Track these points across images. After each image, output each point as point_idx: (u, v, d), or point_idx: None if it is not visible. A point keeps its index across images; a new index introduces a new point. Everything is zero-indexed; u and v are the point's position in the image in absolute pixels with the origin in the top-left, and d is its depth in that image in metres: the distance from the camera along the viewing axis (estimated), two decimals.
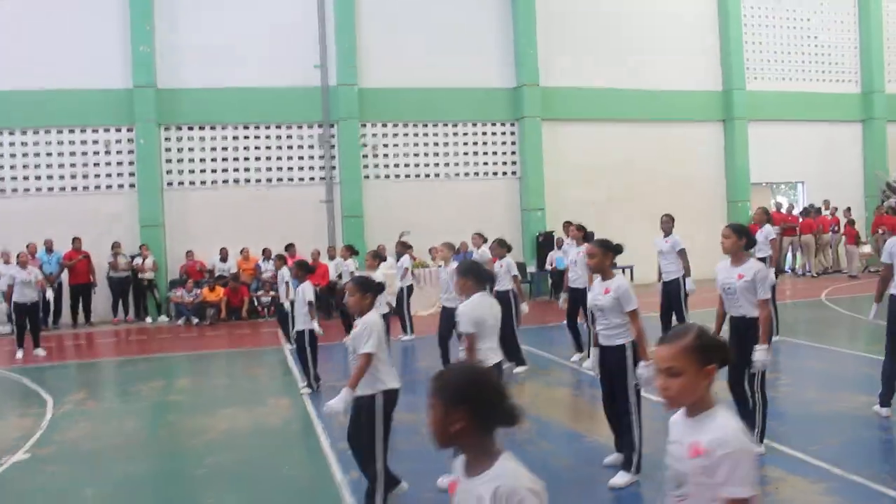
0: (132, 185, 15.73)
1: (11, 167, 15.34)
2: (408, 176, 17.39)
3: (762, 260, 10.28)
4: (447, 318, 8.77)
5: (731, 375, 5.51)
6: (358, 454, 4.72)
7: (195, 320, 14.84)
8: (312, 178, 16.82)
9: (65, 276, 14.86)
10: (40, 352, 11.75)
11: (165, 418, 7.58)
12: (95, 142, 15.66)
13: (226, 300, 15.15)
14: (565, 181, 18.01)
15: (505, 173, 18.04)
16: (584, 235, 9.51)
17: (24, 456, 6.39)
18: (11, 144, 15.36)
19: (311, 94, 16.59)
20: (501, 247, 9.30)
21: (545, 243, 17.40)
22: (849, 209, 18.99)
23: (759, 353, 5.21)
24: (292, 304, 11.56)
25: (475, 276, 5.12)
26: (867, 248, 17.21)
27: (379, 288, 5.01)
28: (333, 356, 9.87)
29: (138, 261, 15.28)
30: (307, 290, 8.54)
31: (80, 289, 14.92)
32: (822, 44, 20.10)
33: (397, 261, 16.27)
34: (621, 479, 5.10)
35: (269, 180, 16.55)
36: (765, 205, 19.70)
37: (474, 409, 2.01)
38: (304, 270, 8.93)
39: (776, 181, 20.55)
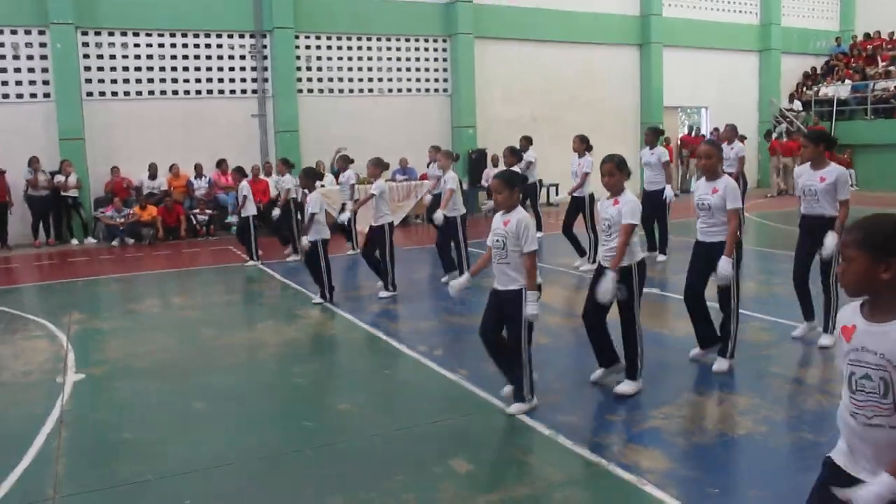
0: (47, 95, 14.27)
1: None
2: (342, 91, 16.92)
3: (729, 174, 11.15)
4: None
5: (798, 269, 6.07)
6: (490, 346, 4.82)
7: (130, 241, 13.95)
8: (244, 91, 15.97)
9: None
10: None
11: (202, 334, 7.24)
12: (1, 44, 13.99)
13: (160, 219, 14.33)
14: (492, 100, 18.23)
15: (437, 90, 17.95)
16: (587, 147, 9.87)
17: (79, 376, 5.98)
18: None
19: (243, 1, 15.60)
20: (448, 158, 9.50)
21: (479, 160, 17.66)
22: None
23: (830, 239, 5.68)
24: (252, 218, 11.25)
25: (623, 169, 5.08)
26: None
27: (525, 180, 5.09)
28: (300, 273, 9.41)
29: (60, 178, 14.04)
30: (316, 201, 8.31)
31: None
32: None
33: (337, 178, 16.05)
34: (720, 365, 5.53)
35: (199, 92, 15.55)
36: (674, 127, 20.95)
37: None
38: (313, 178, 8.65)
39: (684, 105, 21.74)
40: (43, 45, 14.17)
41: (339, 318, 7.68)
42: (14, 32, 14.04)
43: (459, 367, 5.76)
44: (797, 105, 21.48)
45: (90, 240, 14.39)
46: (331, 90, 16.78)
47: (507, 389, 4.84)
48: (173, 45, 15.23)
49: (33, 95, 14.23)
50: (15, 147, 13.78)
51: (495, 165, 17.61)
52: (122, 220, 14.05)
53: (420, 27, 17.43)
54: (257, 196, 13.61)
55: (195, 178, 15.35)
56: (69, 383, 5.79)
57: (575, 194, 9.89)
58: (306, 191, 9.08)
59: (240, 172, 11.74)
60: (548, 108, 18.69)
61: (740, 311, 5.58)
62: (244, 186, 11.27)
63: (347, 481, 3.95)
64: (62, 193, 14.06)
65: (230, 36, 15.74)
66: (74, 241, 14.27)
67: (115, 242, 13.92)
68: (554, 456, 4.22)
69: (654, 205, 10.14)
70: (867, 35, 22.74)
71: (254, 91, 16.02)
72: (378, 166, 8.98)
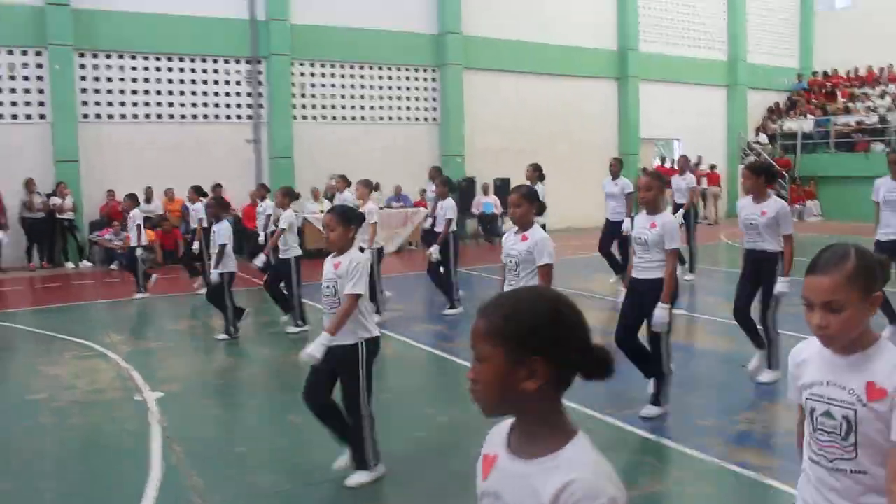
0: (42, 116, 14.13)
1: None
2: (335, 118, 17.15)
3: (680, 206, 11.16)
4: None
5: (740, 302, 5.83)
6: (318, 409, 4.21)
7: None
8: (240, 117, 16.07)
9: None
10: None
11: (257, 353, 7.35)
12: None
13: (159, 243, 14.25)
14: (478, 130, 18.67)
15: (427, 119, 18.33)
16: (539, 175, 9.74)
17: (158, 394, 6.02)
18: None
19: (240, 27, 15.76)
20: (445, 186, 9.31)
21: (468, 188, 18.05)
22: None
23: (781, 285, 5.52)
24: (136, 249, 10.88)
25: (533, 200, 4.72)
26: None
27: (361, 219, 4.50)
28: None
29: (56, 200, 13.87)
30: (226, 232, 7.89)
31: None
32: (698, 13, 22.25)
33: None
34: (649, 411, 5.12)
35: (195, 116, 15.59)
36: (649, 159, 21.74)
37: (556, 355, 1.36)
38: (221, 208, 8.23)
39: (658, 137, 22.60)
40: (39, 65, 14.05)
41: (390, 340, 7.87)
42: (10, 53, 13.89)
43: None
44: (763, 138, 22.56)
45: (85, 263, 14.20)
46: (324, 117, 16.99)
47: (342, 460, 4.29)
48: (170, 70, 15.27)
49: (28, 116, 14.06)
50: (9, 168, 13.57)
51: (486, 193, 18.08)
52: (121, 243, 13.93)
53: (411, 57, 17.84)
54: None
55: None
56: (150, 401, 5.84)
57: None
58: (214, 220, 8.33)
59: (132, 199, 11.30)
60: (531, 138, 19.20)
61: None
62: (136, 215, 10.92)
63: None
64: (58, 216, 13.88)
65: (226, 61, 15.86)
66: (70, 265, 14.06)
67: (113, 266, 13.77)
68: (668, 456, 4.53)
69: (614, 234, 10.33)
70: (825, 73, 24.08)
71: (249, 116, 16.13)
72: (287, 196, 8.61)
